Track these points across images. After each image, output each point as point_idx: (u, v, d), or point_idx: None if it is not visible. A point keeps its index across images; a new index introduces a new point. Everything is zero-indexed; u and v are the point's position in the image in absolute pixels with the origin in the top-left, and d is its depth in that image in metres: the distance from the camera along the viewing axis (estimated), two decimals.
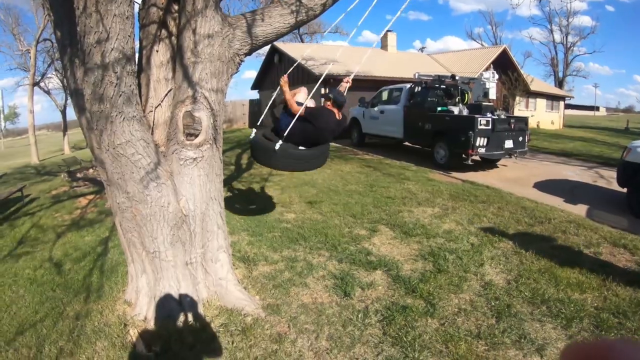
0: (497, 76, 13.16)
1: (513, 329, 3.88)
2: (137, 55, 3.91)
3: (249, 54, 4.12)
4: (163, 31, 3.97)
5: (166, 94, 3.97)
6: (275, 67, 25.21)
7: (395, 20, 5.78)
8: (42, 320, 4.31)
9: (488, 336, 3.76)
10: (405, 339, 3.66)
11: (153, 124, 3.97)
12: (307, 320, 3.98)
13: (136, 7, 3.98)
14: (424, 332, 3.80)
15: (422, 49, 36.73)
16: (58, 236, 7.37)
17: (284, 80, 5.52)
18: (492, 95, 12.79)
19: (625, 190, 8.53)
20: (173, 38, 3.96)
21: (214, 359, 3.43)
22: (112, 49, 3.14)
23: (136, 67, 3.53)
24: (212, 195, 3.98)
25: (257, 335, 3.68)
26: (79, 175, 12.53)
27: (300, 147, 5.19)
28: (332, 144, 18.02)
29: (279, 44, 25.45)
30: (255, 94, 30.26)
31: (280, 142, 4.83)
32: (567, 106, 45.14)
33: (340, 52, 22.42)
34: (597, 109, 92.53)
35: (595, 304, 4.43)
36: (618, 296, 4.60)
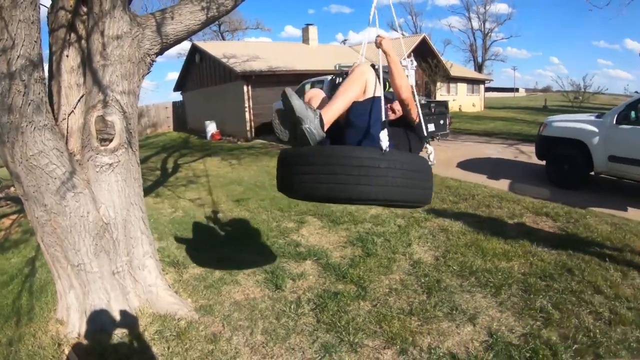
0: (415, 63, 13.47)
1: (444, 302, 4.04)
2: (46, 62, 3.78)
3: (160, 53, 4.04)
4: (72, 35, 3.81)
5: (78, 100, 3.82)
6: (197, 66, 24.75)
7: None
8: None
9: (420, 311, 3.90)
10: (339, 323, 3.72)
11: (67, 132, 3.82)
12: (241, 317, 3.97)
13: (44, 11, 3.84)
14: (357, 315, 3.89)
15: (344, 41, 37.11)
16: None
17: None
18: (412, 81, 13.06)
19: (544, 162, 9.24)
20: (83, 42, 3.80)
21: None
22: (19, 56, 3.00)
23: (45, 74, 3.38)
24: (132, 201, 3.88)
25: (193, 337, 3.64)
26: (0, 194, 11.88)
27: None
28: (258, 140, 17.99)
29: (199, 43, 25.07)
30: (178, 96, 29.62)
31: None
32: (488, 89, 47.14)
33: (261, 49, 22.41)
34: (517, 90, 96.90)
35: (523, 270, 4.70)
36: (544, 261, 4.92)
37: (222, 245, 5.84)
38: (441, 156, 12.34)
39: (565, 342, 3.43)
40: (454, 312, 3.90)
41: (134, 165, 3.91)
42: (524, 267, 4.79)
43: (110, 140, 3.61)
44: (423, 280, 4.52)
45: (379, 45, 3.15)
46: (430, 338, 3.55)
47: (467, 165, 11.11)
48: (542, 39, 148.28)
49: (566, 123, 8.68)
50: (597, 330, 3.56)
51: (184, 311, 4.00)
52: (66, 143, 3.75)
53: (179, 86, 28.69)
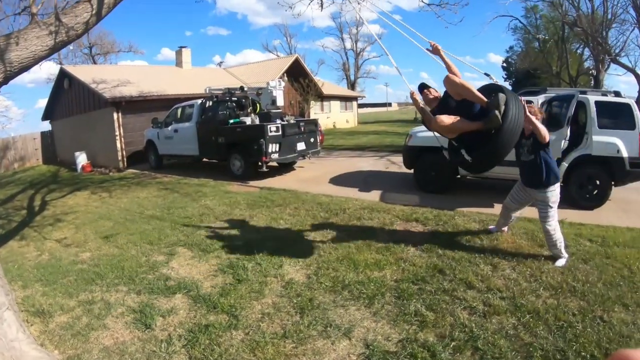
0: (283, 83, 13.83)
1: (318, 320, 4.15)
2: None
3: (4, 82, 3.90)
4: None
5: None
6: (66, 92, 23.30)
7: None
8: None
9: (294, 333, 3.97)
10: (211, 357, 3.74)
11: None
12: None
13: None
14: (230, 345, 3.91)
15: (220, 64, 37.09)
16: None
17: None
18: (280, 102, 13.41)
19: (412, 171, 9.89)
20: None
21: None
22: None
23: None
24: None
25: None
26: None
27: None
28: (130, 170, 17.48)
29: (68, 67, 23.79)
30: (48, 125, 27.70)
31: None
32: (362, 105, 49.47)
33: (134, 73, 21.75)
34: (390, 105, 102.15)
35: (395, 277, 4.96)
36: (415, 265, 5.24)
37: (90, 287, 5.62)
38: (313, 174, 12.87)
39: (442, 341, 3.70)
40: (329, 328, 4.01)
41: None
42: (396, 274, 5.03)
43: None
44: (295, 301, 4.60)
45: (434, 51, 4.84)
46: (305, 359, 3.64)
47: (339, 180, 11.52)
48: (412, 56, 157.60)
49: (430, 133, 9.07)
50: (473, 325, 3.87)
51: None
52: None
53: (48, 114, 26.68)
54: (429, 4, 8.93)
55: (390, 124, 36.81)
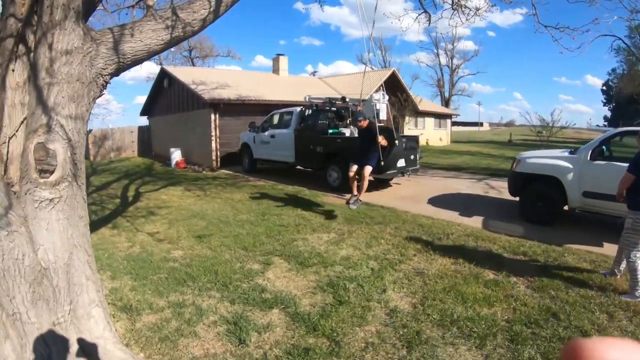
0: (387, 97, 13.29)
1: (427, 358, 3.71)
2: None
3: (115, 74, 3.59)
4: (21, 47, 3.35)
5: (22, 122, 3.34)
6: (165, 91, 24.27)
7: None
8: None
9: None
10: None
11: (7, 158, 3.31)
12: None
13: None
14: None
15: (313, 73, 37.22)
16: None
17: None
18: (383, 115, 12.88)
19: (517, 199, 9.08)
20: (32, 55, 3.35)
21: None
22: None
23: None
24: (76, 242, 3.35)
25: None
26: None
27: None
28: (223, 171, 17.56)
29: (169, 68, 24.73)
30: (145, 120, 28.91)
31: None
32: (454, 123, 48.15)
33: (232, 77, 22.06)
34: (481, 124, 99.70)
35: (506, 317, 4.44)
36: (527, 305, 4.68)
37: (180, 288, 5.32)
38: (410, 192, 12.31)
39: None
40: None
41: (80, 201, 3.40)
42: (507, 313, 4.53)
43: (52, 172, 3.10)
44: (402, 332, 4.15)
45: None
46: None
47: (438, 201, 10.89)
48: (506, 75, 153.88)
49: (540, 160, 8.63)
50: None
51: None
52: (5, 171, 3.27)
53: (146, 110, 28.05)
54: (545, 26, 8.24)
55: (484, 145, 35.59)
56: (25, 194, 3.11)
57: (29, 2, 3.30)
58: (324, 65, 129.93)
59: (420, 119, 33.81)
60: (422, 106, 32.27)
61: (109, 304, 4.66)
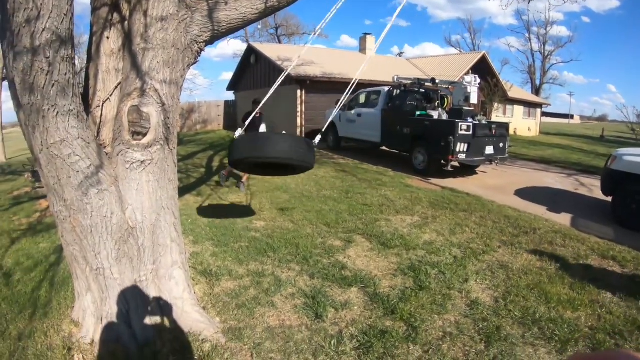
0: (479, 80, 12.88)
1: (505, 356, 3.54)
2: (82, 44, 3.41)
3: (210, 42, 3.63)
4: (115, 15, 3.45)
5: (116, 87, 3.44)
6: (252, 67, 24.82)
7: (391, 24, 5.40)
8: None
9: None
10: None
11: (100, 121, 3.44)
12: (273, 347, 3.50)
13: None
14: None
15: (400, 54, 36.71)
16: (12, 242, 6.69)
17: None
18: (474, 99, 12.51)
19: (609, 199, 8.39)
20: (126, 23, 3.43)
21: None
22: (44, 30, 2.62)
23: (73, 52, 2.95)
24: (164, 204, 3.45)
25: None
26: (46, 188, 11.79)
27: None
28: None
29: (255, 44, 25.24)
30: (231, 96, 29.69)
31: None
32: (543, 114, 45.84)
33: (318, 54, 22.11)
34: (572, 117, 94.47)
35: (590, 324, 4.16)
36: (612, 314, 4.35)
37: (261, 258, 5.41)
38: (497, 182, 11.90)
39: None
40: None
41: (170, 165, 3.48)
42: (591, 320, 4.24)
43: (144, 135, 3.19)
44: (481, 326, 4.00)
45: None
46: None
47: (526, 193, 10.41)
48: (600, 65, 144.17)
49: (639, 158, 7.90)
50: None
51: (210, 332, 3.57)
52: (98, 133, 3.40)
53: (233, 86, 28.86)
54: None
55: (574, 139, 33.62)
56: (118, 154, 3.22)
57: None
58: (410, 47, 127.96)
59: (509, 107, 32.34)
60: (512, 93, 31.01)
61: (190, 267, 4.80)
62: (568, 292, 4.78)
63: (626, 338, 3.92)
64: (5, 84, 22.15)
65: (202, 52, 3.65)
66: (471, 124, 11.29)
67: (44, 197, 9.30)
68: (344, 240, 6.20)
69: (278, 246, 5.78)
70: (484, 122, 12.07)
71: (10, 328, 3.94)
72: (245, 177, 9.47)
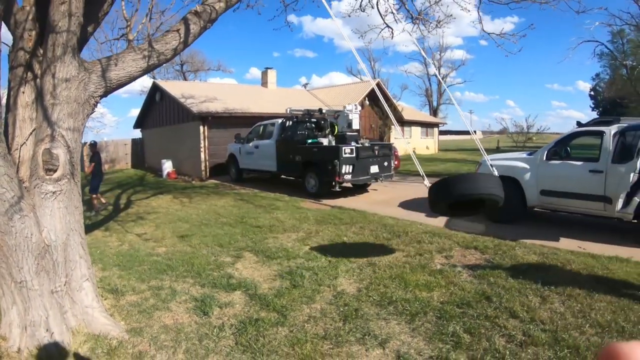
0: (359, 107, 14.14)
1: (358, 329, 4.31)
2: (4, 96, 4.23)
3: (104, 95, 4.53)
4: (29, 74, 4.31)
5: (31, 133, 4.25)
6: (157, 105, 25.12)
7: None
8: None
9: (334, 336, 4.18)
10: (255, 346, 4.03)
11: (19, 161, 4.24)
12: (167, 338, 4.28)
13: (6, 49, 4.30)
14: (274, 339, 4.18)
15: (305, 85, 37.99)
16: None
17: None
18: (356, 125, 13.73)
19: None
20: (38, 80, 4.28)
21: None
22: None
23: (0, 106, 3.80)
24: (72, 227, 4.25)
25: (121, 354, 3.94)
26: None
27: None
28: (212, 180, 18.31)
29: (160, 82, 25.40)
30: (139, 133, 29.74)
31: None
32: (445, 132, 48.29)
33: (221, 90, 22.83)
34: (475, 132, 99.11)
35: (442, 299, 4.97)
36: (464, 290, 5.20)
37: (160, 276, 6.12)
38: (384, 197, 12.98)
39: None
40: (366, 337, 4.15)
41: (76, 194, 4.32)
42: (444, 297, 5.04)
43: (55, 171, 4.02)
44: (342, 309, 4.79)
45: None
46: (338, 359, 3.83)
47: (409, 204, 11.57)
48: (499, 83, 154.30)
49: (499, 162, 9.01)
50: (507, 352, 3.80)
51: (116, 332, 4.32)
52: (17, 171, 4.16)
53: (139, 123, 28.81)
54: (489, 33, 9.06)
55: (471, 152, 35.35)
56: (34, 187, 4.03)
57: (35, 37, 4.26)
58: (317, 77, 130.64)
59: (406, 128, 34.05)
60: (407, 115, 32.65)
61: (99, 288, 5.47)
62: (427, 278, 5.63)
63: (473, 307, 4.69)
64: None
65: (98, 104, 4.54)
66: (354, 147, 12.40)
67: None
68: (234, 256, 6.99)
69: (176, 266, 6.52)
70: (366, 144, 13.32)
71: None
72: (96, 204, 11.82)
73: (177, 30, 4.80)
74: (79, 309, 4.31)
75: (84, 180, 21.65)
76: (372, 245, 7.44)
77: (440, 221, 9.22)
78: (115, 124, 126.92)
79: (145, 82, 39.61)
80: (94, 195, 12.32)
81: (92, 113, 4.49)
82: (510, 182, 8.46)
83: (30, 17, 4.27)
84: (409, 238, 7.72)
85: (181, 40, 4.80)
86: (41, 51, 4.26)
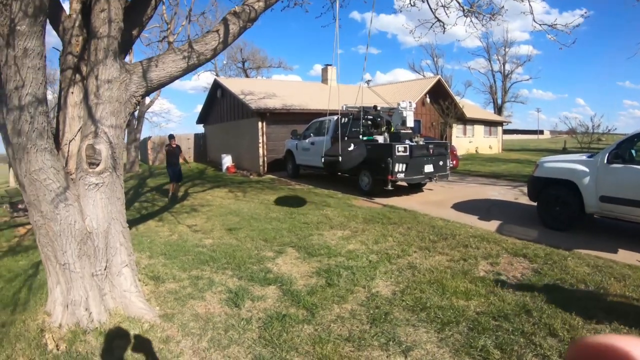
0: (414, 105, 13.88)
1: (384, 333, 4.21)
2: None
3: (145, 95, 4.85)
4: (77, 75, 4.70)
5: (79, 130, 4.62)
6: (218, 101, 25.87)
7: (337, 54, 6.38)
8: None
9: (357, 339, 4.12)
10: (276, 341, 4.13)
11: (68, 155, 4.64)
12: (195, 326, 4.51)
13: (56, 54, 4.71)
14: (297, 336, 4.24)
15: (368, 82, 37.81)
16: None
17: None
18: (410, 122, 13.49)
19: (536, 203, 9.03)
20: (85, 81, 4.61)
21: (108, 356, 3.97)
22: (27, 94, 3.79)
23: (48, 107, 4.14)
24: (114, 216, 4.58)
25: (150, 337, 4.23)
26: (20, 206, 12.73)
27: None
28: (269, 176, 18.60)
29: (221, 79, 26.07)
30: (201, 128, 30.74)
31: None
32: (511, 131, 46.47)
33: (280, 87, 23.15)
34: (542, 132, 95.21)
35: (478, 310, 4.67)
36: (504, 301, 4.85)
37: (202, 267, 6.39)
38: (439, 197, 12.65)
39: None
40: (390, 342, 4.04)
41: (118, 187, 4.64)
42: (481, 307, 4.74)
43: (97, 165, 4.37)
44: (372, 312, 4.71)
45: None
46: None
47: (462, 206, 11.14)
48: (568, 81, 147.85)
49: (557, 164, 8.59)
50: None
51: (150, 316, 4.62)
52: (66, 164, 4.57)
53: (202, 119, 29.88)
54: (540, 24, 8.63)
55: (536, 153, 33.55)
56: (79, 179, 4.40)
57: (82, 42, 4.60)
58: (381, 74, 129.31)
59: (469, 127, 33.22)
60: (470, 113, 31.80)
61: (143, 274, 5.88)
62: (467, 285, 5.32)
63: (509, 319, 4.37)
64: None
65: (139, 103, 4.81)
66: (407, 146, 12.18)
67: (22, 225, 10.34)
68: (276, 251, 7.17)
69: (218, 257, 6.79)
70: (421, 142, 13.01)
71: None
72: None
73: (217, 31, 5.02)
74: (117, 293, 4.63)
75: (159, 169, 22.92)
76: (417, 247, 7.23)
77: (492, 225, 8.85)
78: (179, 119, 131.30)
79: (209, 79, 40.74)
80: (173, 184, 13.48)
81: (134, 111, 4.77)
82: (567, 186, 8.10)
83: (77, 24, 4.67)
84: (455, 241, 7.43)
85: (220, 40, 5.01)
86: (86, 56, 4.62)
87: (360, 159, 11.50)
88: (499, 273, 5.89)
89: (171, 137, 14.36)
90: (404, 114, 13.34)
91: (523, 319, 4.42)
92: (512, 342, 3.98)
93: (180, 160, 14.05)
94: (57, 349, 4.06)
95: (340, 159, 10.99)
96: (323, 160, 12.73)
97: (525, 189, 12.42)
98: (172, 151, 13.87)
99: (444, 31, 10.54)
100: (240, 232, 8.49)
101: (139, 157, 27.93)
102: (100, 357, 3.94)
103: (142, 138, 29.16)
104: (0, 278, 6.73)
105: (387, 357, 3.85)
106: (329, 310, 4.83)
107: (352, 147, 9.92)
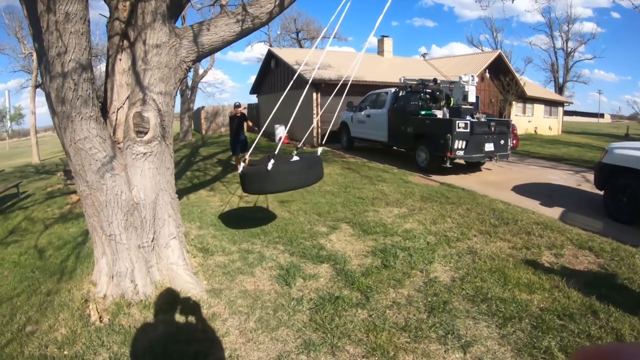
0: (476, 79, 13.15)
1: (442, 325, 3.92)
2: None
3: (196, 60, 4.61)
4: (125, 42, 4.47)
5: (127, 98, 4.42)
6: (272, 71, 25.75)
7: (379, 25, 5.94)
8: (19, 295, 4.92)
9: (414, 329, 3.86)
10: (328, 326, 3.91)
11: (115, 123, 4.46)
12: (243, 304, 4.35)
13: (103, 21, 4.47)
14: (350, 321, 4.01)
15: (424, 55, 36.83)
16: (46, 227, 7.89)
17: None
18: (472, 98, 12.72)
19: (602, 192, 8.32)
20: (132, 47, 4.41)
21: (151, 330, 3.85)
22: (70, 60, 3.64)
23: (93, 74, 3.99)
24: (162, 187, 4.43)
25: (196, 313, 4.10)
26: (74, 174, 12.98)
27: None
28: (323, 147, 18.34)
29: (274, 50, 25.92)
30: (254, 99, 30.69)
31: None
32: (572, 113, 44.45)
33: (335, 58, 22.77)
34: (602, 115, 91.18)
35: (542, 305, 4.33)
36: (569, 298, 4.46)
37: (253, 240, 6.24)
38: (497, 178, 12.03)
39: None
40: (449, 335, 3.77)
41: (167, 156, 4.47)
42: (545, 302, 4.38)
43: (145, 133, 4.19)
44: (430, 299, 4.42)
45: None
46: (412, 356, 3.50)
47: (523, 189, 10.46)
48: (632, 62, 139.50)
49: (629, 151, 7.74)
50: None
51: (197, 290, 4.49)
52: (114, 132, 4.40)
53: (255, 89, 29.75)
54: None
55: (597, 137, 32.10)
56: (127, 148, 4.22)
57: (129, 7, 4.39)
58: (437, 47, 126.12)
59: (528, 106, 31.61)
60: (530, 91, 30.26)
61: (191, 246, 5.77)
62: (530, 277, 4.92)
63: (575, 320, 4.01)
64: (38, 91, 23.84)
65: (190, 68, 4.56)
66: (469, 122, 11.58)
67: (74, 192, 10.49)
68: (330, 227, 6.93)
69: (270, 231, 6.62)
70: (482, 119, 12.32)
71: (41, 287, 5.06)
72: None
73: None
74: (164, 265, 4.51)
75: (211, 139, 23.09)
76: (477, 230, 6.79)
77: (555, 212, 8.17)
78: (233, 90, 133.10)
79: (263, 50, 40.78)
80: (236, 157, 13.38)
81: (184, 78, 4.56)
82: (637, 176, 7.37)
83: None
84: (517, 227, 6.88)
85: (277, 2, 4.69)
86: (134, 21, 4.40)
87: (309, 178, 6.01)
88: (564, 266, 5.40)
89: (237, 105, 13.98)
90: (466, 88, 12.63)
91: (589, 321, 4.03)
92: (577, 346, 3.65)
93: (246, 129, 14.01)
94: (100, 321, 3.99)
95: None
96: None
97: (588, 175, 12.03)
98: (237, 119, 13.58)
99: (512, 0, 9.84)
100: (292, 205, 8.29)
101: (192, 126, 28.22)
102: (142, 332, 3.83)
103: (195, 108, 29.47)
104: (50, 245, 6.76)
105: (445, 352, 3.57)
106: (384, 295, 4.56)
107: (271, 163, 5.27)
